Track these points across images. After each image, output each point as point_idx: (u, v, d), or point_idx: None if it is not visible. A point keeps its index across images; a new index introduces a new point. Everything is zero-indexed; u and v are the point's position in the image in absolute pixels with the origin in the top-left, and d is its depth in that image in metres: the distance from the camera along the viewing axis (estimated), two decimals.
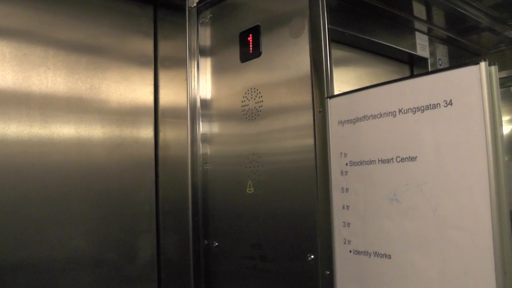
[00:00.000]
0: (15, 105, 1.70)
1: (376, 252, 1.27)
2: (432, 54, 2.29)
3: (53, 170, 1.77)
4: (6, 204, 1.65)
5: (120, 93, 1.97)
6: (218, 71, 1.91)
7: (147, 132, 2.03)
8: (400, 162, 1.20)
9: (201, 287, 1.86)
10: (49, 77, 1.78)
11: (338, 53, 1.98)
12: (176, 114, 2.00)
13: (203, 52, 1.95)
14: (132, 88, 2.00)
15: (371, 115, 1.28)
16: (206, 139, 1.92)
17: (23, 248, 1.67)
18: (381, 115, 1.25)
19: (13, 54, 1.71)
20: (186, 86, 1.90)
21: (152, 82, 2.07)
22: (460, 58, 2.48)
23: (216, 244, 1.84)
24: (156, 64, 2.09)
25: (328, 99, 1.42)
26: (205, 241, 1.88)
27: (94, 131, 1.89)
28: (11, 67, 1.70)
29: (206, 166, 1.90)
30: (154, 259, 2.00)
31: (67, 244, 1.78)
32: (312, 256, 1.45)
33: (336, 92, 1.44)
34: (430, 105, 1.14)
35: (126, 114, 1.98)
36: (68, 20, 1.86)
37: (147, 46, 2.08)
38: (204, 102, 1.93)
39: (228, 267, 1.80)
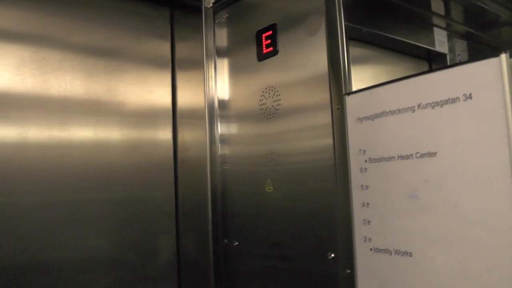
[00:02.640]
0: (34, 108, 1.72)
1: (397, 250, 1.25)
2: (451, 49, 2.25)
3: (72, 172, 1.78)
4: (27, 206, 1.67)
5: (138, 95, 1.98)
6: (235, 71, 1.91)
7: (165, 133, 2.04)
8: (420, 158, 1.18)
9: (222, 287, 1.86)
10: (67, 80, 1.79)
11: (355, 51, 1.96)
12: (194, 115, 2.00)
13: (220, 52, 1.96)
14: (149, 90, 2.01)
15: (390, 111, 1.26)
16: (224, 139, 1.92)
17: (44, 250, 1.69)
18: (399, 110, 1.24)
19: (32, 58, 1.73)
20: (203, 87, 1.91)
21: (170, 84, 2.08)
22: (480, 53, 2.43)
23: (236, 243, 1.83)
24: (173, 66, 2.10)
25: (346, 96, 1.40)
26: (225, 240, 1.88)
27: (112, 133, 1.90)
28: (30, 71, 1.72)
29: (224, 166, 1.90)
30: (174, 259, 2.00)
31: (87, 245, 1.79)
32: (333, 255, 1.44)
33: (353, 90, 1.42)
34: (449, 99, 1.12)
35: (144, 116, 1.99)
36: (85, 24, 1.88)
37: (164, 47, 2.09)
38: (222, 102, 1.94)
39: (248, 267, 1.79)
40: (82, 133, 1.82)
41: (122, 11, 1.98)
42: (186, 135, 2.04)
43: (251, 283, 1.78)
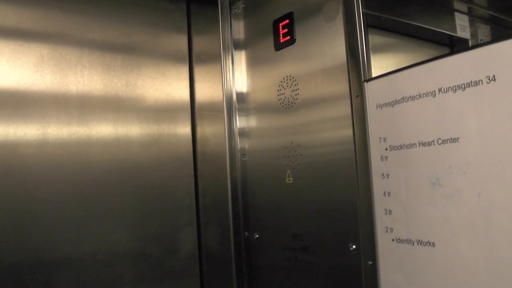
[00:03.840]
0: (54, 104, 1.73)
1: (419, 240, 1.22)
2: (474, 35, 2.19)
3: (92, 167, 1.79)
4: (48, 202, 1.68)
5: (156, 88, 1.97)
6: (252, 62, 1.89)
7: (184, 127, 2.03)
8: (442, 144, 1.14)
9: (243, 279, 1.86)
10: (85, 75, 1.80)
11: (375, 38, 1.92)
12: (213, 108, 1.99)
13: (237, 44, 1.94)
14: (167, 83, 2.00)
15: (410, 96, 1.22)
16: (243, 131, 1.91)
17: (66, 245, 1.70)
18: (420, 95, 1.20)
19: (51, 54, 1.74)
20: (221, 79, 1.89)
21: (187, 77, 2.06)
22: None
23: (257, 236, 1.82)
24: (191, 59, 2.08)
25: (365, 82, 1.37)
26: (245, 233, 1.87)
27: (131, 127, 1.90)
28: (48, 67, 1.73)
29: (244, 158, 1.89)
30: (196, 252, 1.99)
31: (109, 239, 1.80)
32: (354, 246, 1.41)
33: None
34: (471, 82, 1.08)
35: (163, 110, 1.98)
36: (102, 19, 1.88)
37: (181, 41, 2.07)
38: (240, 95, 1.92)
39: (269, 259, 1.78)
40: (102, 128, 1.82)
41: (138, 5, 1.98)
42: (205, 128, 2.03)
43: (272, 275, 1.77)
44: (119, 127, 1.86)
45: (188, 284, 1.97)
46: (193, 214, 2.01)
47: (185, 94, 2.05)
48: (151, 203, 1.91)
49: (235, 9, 1.95)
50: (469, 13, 2.16)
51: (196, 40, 2.09)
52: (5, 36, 1.67)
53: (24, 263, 1.62)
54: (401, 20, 1.87)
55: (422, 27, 1.95)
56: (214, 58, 1.95)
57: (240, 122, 1.92)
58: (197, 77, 2.07)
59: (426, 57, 2.07)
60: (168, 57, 2.03)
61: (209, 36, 2.04)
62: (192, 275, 1.98)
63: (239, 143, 1.91)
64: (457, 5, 2.10)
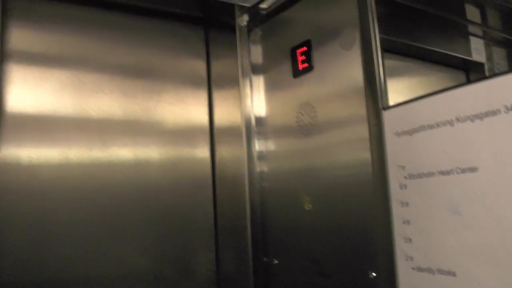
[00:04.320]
0: (75, 130, 1.78)
1: (440, 269, 1.20)
2: (489, 58, 2.17)
3: (112, 190, 1.83)
4: (69, 223, 1.72)
5: (175, 114, 2.01)
6: (271, 87, 1.90)
7: (203, 151, 2.05)
8: (460, 173, 1.14)
9: None
10: (105, 101, 1.85)
11: (390, 63, 1.92)
12: (231, 132, 2.01)
13: (255, 69, 1.96)
14: (186, 109, 2.04)
15: (428, 125, 1.22)
16: (262, 156, 1.91)
17: (86, 266, 1.73)
18: (437, 124, 1.19)
19: (71, 81, 1.79)
20: (240, 104, 1.91)
21: (206, 102, 2.10)
22: None
23: (276, 261, 1.81)
24: (210, 84, 2.12)
25: (383, 110, 1.37)
26: (264, 258, 1.86)
27: (151, 152, 1.93)
28: (69, 94, 1.78)
29: (263, 183, 1.89)
30: (213, 276, 2.00)
31: (126, 261, 1.83)
32: (374, 274, 1.40)
33: (390, 103, 1.39)
34: (489, 111, 1.07)
35: (182, 134, 2.02)
36: (121, 46, 1.93)
37: (199, 66, 2.11)
38: (259, 119, 1.93)
39: (288, 285, 1.77)
40: (121, 152, 1.86)
41: (157, 32, 2.03)
42: (224, 153, 2.05)
43: None
44: (138, 151, 1.90)
45: None
46: (211, 238, 2.02)
47: (203, 119, 2.09)
48: (170, 225, 1.94)
49: (253, 35, 1.97)
50: (484, 36, 2.15)
51: (214, 65, 2.13)
52: (29, 63, 1.73)
53: (43, 282, 1.65)
54: (415, 44, 1.87)
55: (436, 51, 1.94)
56: (232, 83, 1.98)
57: (259, 146, 1.93)
58: (216, 102, 2.10)
59: (441, 81, 2.08)
60: (187, 82, 2.08)
61: (227, 61, 2.06)
62: None
63: (258, 167, 1.91)
64: (472, 29, 2.09)
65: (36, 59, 1.75)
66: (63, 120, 1.75)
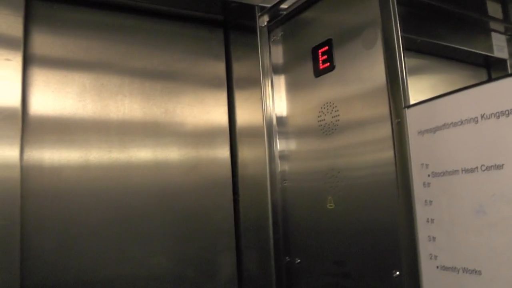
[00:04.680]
0: (95, 132, 1.81)
1: (464, 268, 1.19)
2: (511, 54, 2.14)
3: (132, 192, 1.85)
4: (90, 225, 1.74)
5: (195, 115, 2.03)
6: (292, 87, 1.91)
7: (223, 152, 2.07)
8: (485, 171, 1.13)
9: None
10: (125, 104, 1.88)
11: (411, 61, 1.91)
12: (253, 133, 2.01)
13: (276, 70, 1.97)
14: (206, 110, 2.06)
15: (451, 122, 1.21)
16: (284, 156, 1.92)
17: (107, 267, 1.76)
18: (461, 122, 1.19)
19: (92, 84, 1.83)
20: (261, 104, 1.92)
21: (226, 103, 2.11)
22: None
23: (298, 261, 1.81)
24: (230, 85, 2.14)
25: (406, 109, 1.37)
26: (286, 258, 1.86)
27: (170, 153, 1.96)
28: (90, 97, 1.82)
29: (285, 183, 1.90)
30: (235, 276, 2.00)
31: (148, 262, 1.84)
32: (397, 273, 1.39)
33: (411, 102, 1.38)
34: None
35: (202, 136, 2.04)
36: (141, 49, 1.96)
37: (219, 68, 2.14)
38: (280, 120, 1.94)
39: (310, 285, 1.77)
40: (142, 154, 1.89)
41: (177, 34, 2.06)
42: (246, 153, 2.05)
43: None
44: (158, 153, 1.92)
45: None
46: (232, 238, 2.03)
47: (223, 120, 2.10)
48: (190, 227, 1.95)
49: (273, 36, 1.98)
50: (506, 32, 2.12)
51: (235, 67, 2.14)
52: (52, 67, 1.76)
53: (65, 284, 1.67)
54: (437, 42, 1.85)
55: (457, 48, 1.92)
56: (253, 84, 1.99)
57: (280, 146, 1.94)
58: (237, 102, 2.11)
59: (462, 78, 2.06)
60: (206, 84, 2.10)
61: (248, 62, 2.07)
62: None
63: (279, 167, 1.92)
64: (493, 25, 2.06)
65: (59, 64, 1.79)
66: (83, 123, 1.79)
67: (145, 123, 1.91)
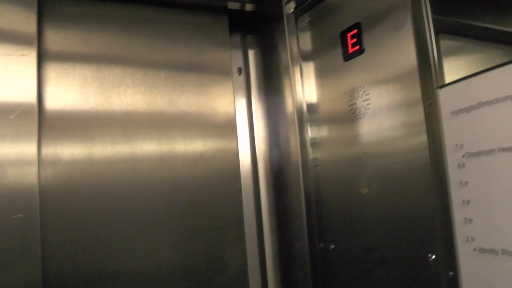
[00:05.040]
0: (98, 125, 1.79)
1: (504, 249, 1.17)
2: None
3: (138, 185, 1.82)
4: (96, 219, 1.73)
5: (200, 105, 2.00)
6: (321, 73, 1.90)
7: (230, 142, 2.04)
8: None
9: None
10: (128, 95, 1.86)
11: (445, 43, 1.87)
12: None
13: (304, 56, 1.96)
14: (212, 99, 2.03)
15: (486, 101, 1.19)
16: (315, 142, 1.92)
17: (113, 261, 1.75)
18: (497, 100, 1.16)
19: (94, 76, 1.81)
20: (291, 92, 1.92)
21: (232, 91, 2.08)
22: None
23: (332, 246, 1.81)
24: (248, 72, 2.14)
25: (438, 89, 1.35)
26: (321, 244, 1.86)
27: (176, 144, 1.92)
28: (93, 89, 1.80)
29: (317, 169, 1.89)
30: (245, 268, 1.99)
31: (155, 255, 1.83)
32: (433, 256, 1.38)
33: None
34: None
35: (208, 126, 2.01)
36: (143, 38, 1.93)
37: (224, 55, 2.09)
38: (310, 106, 1.94)
39: (345, 270, 1.77)
40: (146, 146, 1.86)
41: (180, 23, 2.03)
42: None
43: (347, 287, 1.75)
44: (163, 144, 1.89)
45: None
46: (242, 230, 2.02)
47: (230, 109, 2.07)
48: (199, 219, 1.92)
49: (301, 22, 1.97)
50: None
51: (260, 55, 2.15)
52: (52, 60, 1.75)
53: (72, 278, 1.68)
54: (470, 22, 1.81)
55: (492, 28, 1.87)
56: (281, 71, 1.99)
57: (311, 133, 1.94)
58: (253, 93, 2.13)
59: (498, 59, 2.00)
60: (211, 73, 2.06)
61: (274, 50, 2.06)
62: None
63: (311, 154, 1.92)
64: None
65: (59, 57, 1.77)
66: (85, 116, 1.77)
67: (149, 113, 1.89)
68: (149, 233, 1.82)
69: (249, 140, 2.14)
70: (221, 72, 2.07)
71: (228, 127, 2.05)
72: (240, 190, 2.02)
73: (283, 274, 2.03)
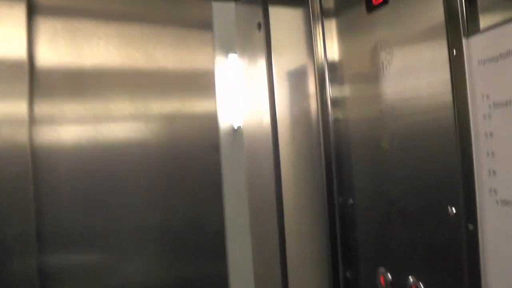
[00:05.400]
0: (67, 79, 1.76)
1: None
2: None
3: (112, 145, 1.82)
4: (70, 181, 1.75)
5: (177, 60, 1.96)
6: (343, 27, 1.86)
7: (209, 98, 2.02)
8: None
9: (336, 246, 1.86)
10: (101, 47, 1.81)
11: None
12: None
13: (327, 10, 1.91)
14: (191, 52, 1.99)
15: None
16: (336, 99, 1.90)
17: (91, 219, 1.78)
18: None
19: (66, 29, 1.76)
20: (312, 49, 1.89)
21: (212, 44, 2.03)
22: None
23: (351, 201, 1.80)
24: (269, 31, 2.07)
25: (465, 39, 1.31)
26: (339, 198, 1.86)
27: (151, 103, 1.89)
28: (64, 41, 1.75)
29: (337, 124, 1.87)
30: (223, 228, 2.01)
31: (132, 214, 1.84)
32: (454, 209, 1.36)
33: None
34: None
35: (186, 81, 1.98)
36: None
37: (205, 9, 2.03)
38: (332, 63, 1.91)
39: (364, 225, 1.77)
40: (121, 105, 1.84)
41: None
42: None
43: (367, 242, 1.75)
44: (138, 103, 1.87)
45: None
46: (218, 192, 2.01)
47: (209, 63, 2.02)
48: (175, 177, 1.93)
49: None
50: None
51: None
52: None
53: (61, 232, 1.72)
54: None
55: None
56: (301, 28, 1.94)
57: (332, 88, 1.91)
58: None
59: None
60: (190, 25, 2.01)
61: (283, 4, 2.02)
62: None
63: (332, 110, 1.90)
64: None
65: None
66: (55, 70, 1.74)
67: (123, 68, 1.85)
68: (125, 191, 1.83)
69: (268, 99, 2.12)
70: (201, 25, 2.02)
71: (207, 83, 2.01)
72: (217, 147, 2.00)
73: None
